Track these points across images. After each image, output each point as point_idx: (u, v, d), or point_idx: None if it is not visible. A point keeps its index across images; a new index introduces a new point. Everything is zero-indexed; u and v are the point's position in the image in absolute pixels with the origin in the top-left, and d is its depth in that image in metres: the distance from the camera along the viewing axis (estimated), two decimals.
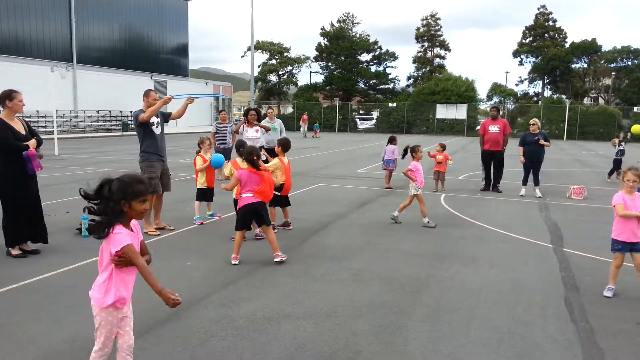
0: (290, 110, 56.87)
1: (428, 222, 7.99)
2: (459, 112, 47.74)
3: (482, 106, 51.97)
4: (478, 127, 10.70)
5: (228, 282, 5.21)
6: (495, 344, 3.97)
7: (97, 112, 37.89)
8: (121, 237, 2.84)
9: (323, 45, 55.56)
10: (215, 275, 5.43)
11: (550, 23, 56.46)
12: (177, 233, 7.28)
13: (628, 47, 59.13)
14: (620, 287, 5.31)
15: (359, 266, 5.90)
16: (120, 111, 39.04)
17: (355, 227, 7.93)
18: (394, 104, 50.39)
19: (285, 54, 57.52)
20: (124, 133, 36.28)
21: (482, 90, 59.01)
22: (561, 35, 56.08)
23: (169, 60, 50.17)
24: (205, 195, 8.11)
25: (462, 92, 47.50)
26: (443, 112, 47.99)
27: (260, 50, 56.56)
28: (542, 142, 11.15)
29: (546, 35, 56.15)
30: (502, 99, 51.82)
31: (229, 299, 4.77)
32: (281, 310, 4.51)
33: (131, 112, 39.33)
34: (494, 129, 11.59)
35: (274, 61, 57.38)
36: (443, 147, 12.24)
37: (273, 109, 14.11)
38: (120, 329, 3.04)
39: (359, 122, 52.92)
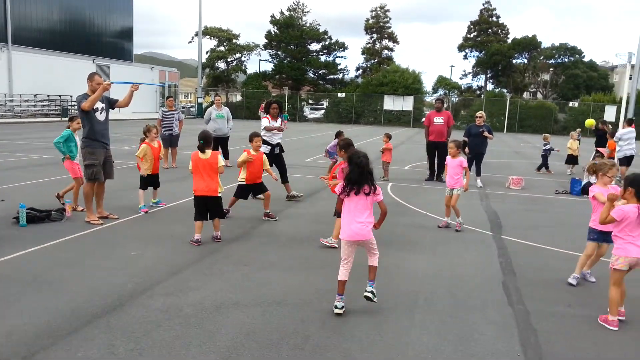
0: (238, 98, 56.18)
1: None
2: (406, 103, 48.62)
3: (428, 98, 53.17)
4: (423, 119, 11.01)
5: (174, 271, 5.15)
6: (437, 327, 4.13)
7: (35, 96, 36.07)
8: None
9: (273, 33, 55.07)
10: (161, 264, 5.34)
11: (494, 19, 58.33)
12: (121, 222, 7.08)
13: (565, 45, 61.96)
14: (554, 272, 5.64)
15: (308, 254, 5.96)
16: (60, 96, 37.33)
17: (305, 216, 7.98)
18: (343, 95, 50.74)
19: (234, 40, 56.55)
20: (64, 118, 34.71)
21: (428, 83, 60.36)
22: (504, 31, 58.09)
23: (113, 44, 48.30)
24: (150, 182, 7.93)
25: (409, 84, 48.40)
26: (390, 103, 48.73)
27: (208, 36, 55.33)
28: (486, 134, 11.58)
29: (490, 30, 57.99)
30: (446, 91, 53.19)
31: (175, 287, 4.71)
32: (230, 299, 4.50)
33: (71, 97, 37.75)
34: (438, 120, 11.92)
35: (222, 48, 56.31)
36: (389, 137, 12.51)
37: (220, 96, 13.93)
38: None
39: (308, 111, 52.98)
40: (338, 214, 6.18)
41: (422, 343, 3.84)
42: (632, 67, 32.11)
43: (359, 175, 4.23)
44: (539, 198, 10.67)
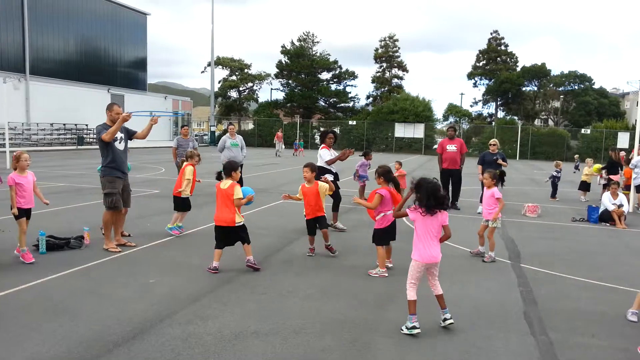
0: (250, 126, 56.73)
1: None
2: (417, 131, 48.82)
3: (439, 126, 53.46)
4: (435, 146, 11.04)
5: (193, 299, 5.14)
6: (460, 357, 4.07)
7: (51, 125, 36.77)
8: None
9: (284, 62, 55.89)
10: (179, 292, 5.35)
11: (503, 47, 58.88)
12: (139, 249, 7.13)
13: (575, 72, 62.29)
14: (575, 301, 5.56)
15: (325, 282, 5.93)
16: (76, 124, 38.02)
17: (320, 243, 7.95)
18: (354, 122, 51.09)
19: (245, 70, 57.49)
20: (79, 147, 35.28)
21: (438, 111, 60.77)
22: (512, 59, 58.56)
23: (127, 74, 49.33)
24: (186, 205, 8.16)
25: (420, 111, 48.67)
26: (401, 130, 48.95)
27: (220, 66, 56.37)
28: (500, 161, 11.57)
29: (499, 59, 58.49)
30: (457, 119, 53.37)
31: (195, 315, 4.71)
32: (249, 327, 4.48)
33: (87, 125, 38.42)
34: (451, 148, 11.94)
35: (234, 77, 57.23)
36: (400, 164, 12.62)
37: (234, 125, 14.10)
38: None
39: (319, 139, 53.36)
40: (380, 242, 6.32)
41: None
42: None
43: (434, 200, 4.48)
44: (556, 226, 10.56)
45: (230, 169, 6.33)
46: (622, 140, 44.51)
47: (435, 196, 4.49)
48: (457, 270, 6.67)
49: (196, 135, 56.81)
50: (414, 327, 4.43)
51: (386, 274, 6.27)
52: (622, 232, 10.13)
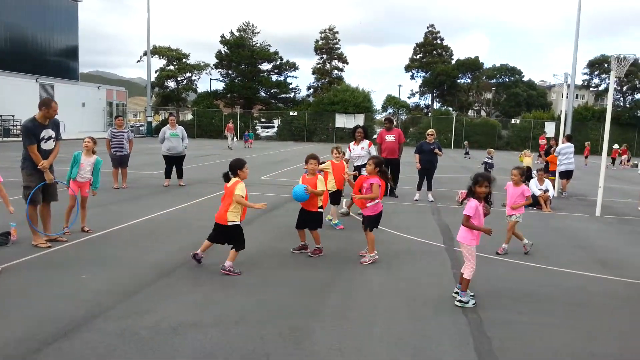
0: (189, 117, 55.45)
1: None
2: (357, 121, 49.27)
3: (378, 116, 54.30)
4: (375, 136, 11.26)
5: (128, 294, 5.01)
6: (395, 339, 4.20)
7: None
8: None
9: (223, 53, 54.90)
10: (114, 287, 5.19)
11: (438, 41, 60.52)
12: (71, 244, 6.84)
13: (506, 66, 65.06)
14: (504, 281, 5.86)
15: (266, 272, 5.94)
16: (1, 115, 35.75)
17: (261, 233, 7.94)
18: (295, 113, 51.07)
19: (183, 60, 55.99)
20: (5, 139, 33.24)
21: (377, 102, 61.68)
22: (448, 53, 60.34)
23: (57, 63, 46.89)
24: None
25: (359, 102, 49.28)
26: (342, 121, 49.37)
27: (157, 56, 54.54)
28: (436, 151, 11.95)
29: (435, 52, 60.08)
30: (396, 110, 54.47)
31: (130, 310, 4.59)
32: (187, 320, 4.42)
33: (13, 116, 36.22)
34: (390, 138, 12.20)
35: (171, 67, 55.61)
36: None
37: (174, 115, 13.75)
38: None
39: (260, 129, 52.93)
40: (373, 227, 6.55)
41: (380, 356, 3.90)
42: (568, 86, 33.96)
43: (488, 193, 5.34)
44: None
45: (236, 167, 5.82)
46: (549, 129, 46.96)
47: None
48: (392, 257, 6.84)
49: (132, 126, 54.99)
50: (472, 303, 5.02)
51: (377, 257, 6.48)
52: (548, 216, 10.74)
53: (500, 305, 5.10)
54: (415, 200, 11.89)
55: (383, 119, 13.22)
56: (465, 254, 5.19)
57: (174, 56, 55.35)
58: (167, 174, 12.88)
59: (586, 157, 30.98)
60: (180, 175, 13.07)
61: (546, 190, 11.56)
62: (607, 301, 5.39)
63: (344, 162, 8.86)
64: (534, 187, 11.74)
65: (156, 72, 55.05)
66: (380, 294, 5.31)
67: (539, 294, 5.50)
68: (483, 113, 67.35)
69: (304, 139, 49.03)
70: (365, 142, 10.61)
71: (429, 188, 12.05)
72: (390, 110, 54.28)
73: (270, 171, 17.80)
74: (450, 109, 56.58)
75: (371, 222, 6.55)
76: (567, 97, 34.08)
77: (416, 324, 4.53)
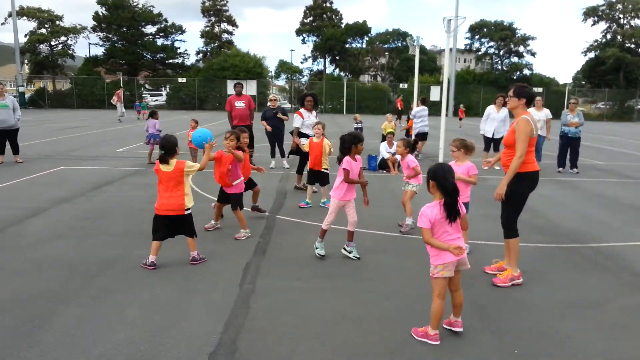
0: (69, 86, 51.42)
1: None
2: (250, 88, 48.46)
3: (278, 82, 53.76)
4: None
5: None
6: (141, 319, 4.01)
7: None
8: None
9: (101, 14, 51.06)
10: None
11: (328, 4, 60.45)
12: None
13: (398, 30, 66.56)
14: (303, 248, 5.88)
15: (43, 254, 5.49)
16: None
17: (71, 212, 7.39)
18: (184, 80, 49.06)
19: (57, 22, 51.34)
20: None
21: (273, 67, 60.71)
22: (337, 17, 60.52)
23: None
24: None
25: (250, 68, 48.32)
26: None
27: (25, 17, 49.58)
28: (280, 115, 11.72)
29: (324, 15, 60.01)
30: (289, 75, 54.14)
31: None
32: None
33: None
34: (240, 104, 11.92)
35: (43, 30, 50.84)
36: (196, 122, 12.23)
37: (3, 85, 12.45)
38: None
39: (149, 98, 50.35)
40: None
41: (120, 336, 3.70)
42: (451, 50, 35.47)
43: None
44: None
45: (172, 146, 5.02)
46: (434, 93, 49.22)
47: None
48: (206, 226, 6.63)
49: None
50: None
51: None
52: (395, 178, 11.09)
53: (283, 273, 5.07)
54: (271, 168, 11.77)
55: (234, 85, 12.82)
56: (331, 206, 5.58)
57: (46, 18, 50.59)
58: (0, 150, 11.70)
59: (460, 119, 32.81)
60: (16, 150, 11.94)
61: (394, 153, 11.93)
62: (382, 258, 5.59)
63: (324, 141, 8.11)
64: (384, 150, 12.09)
65: (26, 35, 50.16)
66: (165, 269, 5.09)
67: (330, 257, 5.56)
68: (379, 78, 68.89)
69: (194, 107, 47.40)
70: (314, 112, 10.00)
71: (282, 154, 11.98)
72: (283, 76, 53.91)
73: (132, 143, 16.87)
74: (343, 74, 57.27)
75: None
76: (449, 62, 35.50)
77: (188, 296, 4.36)
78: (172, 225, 5.12)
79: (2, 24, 50.18)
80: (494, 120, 12.59)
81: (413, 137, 14.67)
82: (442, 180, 3.61)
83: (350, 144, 5.53)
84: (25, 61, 53.34)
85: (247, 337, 3.72)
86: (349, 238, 5.62)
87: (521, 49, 57.40)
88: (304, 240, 6.17)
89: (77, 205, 7.81)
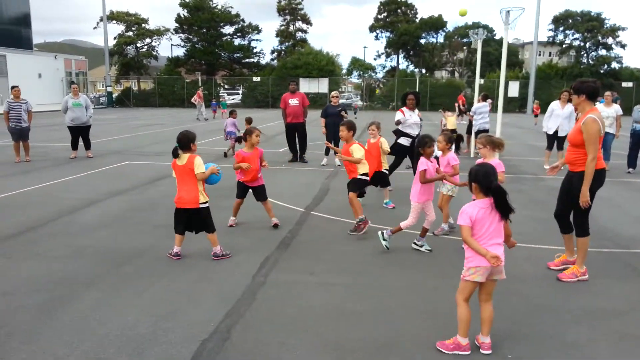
0: (152, 85, 54.46)
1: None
2: (321, 86, 48.94)
3: (354, 80, 53.60)
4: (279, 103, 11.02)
5: None
6: (148, 301, 4.26)
7: None
8: None
9: (183, 16, 53.59)
10: None
11: None
12: None
13: (477, 24, 64.35)
14: (330, 242, 5.94)
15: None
16: None
17: (121, 204, 7.91)
18: (259, 79, 50.34)
19: (143, 25, 54.56)
20: None
21: (345, 65, 60.82)
22: (412, 11, 59.50)
23: (7, 32, 45.31)
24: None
25: (323, 66, 48.69)
26: (306, 86, 48.79)
27: (114, 21, 53.12)
28: (342, 113, 11.78)
29: (399, 10, 59.19)
30: (361, 72, 54.04)
31: None
32: None
33: None
34: (294, 102, 12.13)
35: (130, 33, 54.21)
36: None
37: (77, 85, 13.46)
38: None
39: (226, 97, 52.24)
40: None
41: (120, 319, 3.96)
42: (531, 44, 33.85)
43: None
44: None
45: (187, 141, 5.21)
46: (513, 89, 47.26)
47: None
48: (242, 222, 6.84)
49: (93, 97, 53.78)
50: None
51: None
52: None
53: (300, 266, 5.17)
54: (322, 165, 11.90)
55: (289, 83, 13.02)
56: (412, 209, 5.66)
57: (133, 21, 53.90)
58: (74, 146, 12.70)
59: (536, 117, 31.25)
60: (87, 146, 12.90)
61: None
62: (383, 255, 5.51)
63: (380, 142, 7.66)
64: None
65: (114, 38, 53.74)
66: (181, 261, 5.34)
67: (344, 255, 5.58)
68: (456, 74, 67.05)
69: (268, 105, 48.56)
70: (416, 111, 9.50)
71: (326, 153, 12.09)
72: (355, 73, 53.88)
73: (206, 138, 17.60)
74: (416, 70, 56.29)
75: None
76: (534, 55, 34.16)
77: (198, 286, 4.58)
78: (190, 219, 5.28)
79: (95, 28, 53.95)
80: (557, 117, 11.91)
81: (473, 134, 14.26)
82: (485, 182, 3.42)
83: (417, 148, 5.72)
84: (114, 62, 57.16)
85: (242, 327, 3.85)
86: (422, 234, 5.78)
87: (610, 40, 53.51)
88: (330, 237, 6.23)
89: (128, 197, 8.35)
